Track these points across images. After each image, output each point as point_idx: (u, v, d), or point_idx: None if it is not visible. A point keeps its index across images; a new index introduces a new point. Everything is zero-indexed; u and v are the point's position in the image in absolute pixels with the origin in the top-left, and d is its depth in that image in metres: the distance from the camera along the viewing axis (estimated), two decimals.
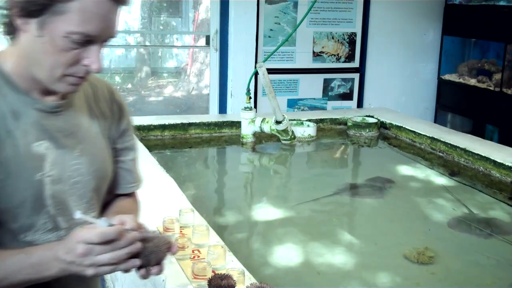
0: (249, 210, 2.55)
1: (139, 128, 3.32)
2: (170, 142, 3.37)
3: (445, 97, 4.66)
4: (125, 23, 10.06)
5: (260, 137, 3.44)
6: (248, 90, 3.42)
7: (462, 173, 2.99)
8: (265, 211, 2.52)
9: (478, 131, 4.12)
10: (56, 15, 1.06)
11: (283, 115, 3.24)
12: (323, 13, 4.35)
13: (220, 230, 2.10)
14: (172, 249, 1.18)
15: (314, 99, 4.49)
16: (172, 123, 3.43)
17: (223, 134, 3.52)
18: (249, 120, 3.33)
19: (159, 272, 1.16)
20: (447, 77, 4.63)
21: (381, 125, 3.72)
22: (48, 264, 1.09)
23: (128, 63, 10.93)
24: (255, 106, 4.18)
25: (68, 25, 1.06)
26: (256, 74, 3.71)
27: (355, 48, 4.50)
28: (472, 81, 4.39)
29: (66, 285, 1.19)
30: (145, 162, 2.61)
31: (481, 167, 2.94)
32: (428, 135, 3.36)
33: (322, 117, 3.78)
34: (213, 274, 1.39)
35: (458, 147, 3.10)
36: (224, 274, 1.36)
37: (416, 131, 3.45)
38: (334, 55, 4.46)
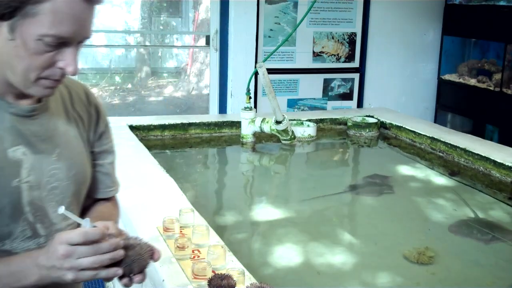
0: (249, 210, 2.55)
1: (139, 128, 3.33)
2: (170, 142, 3.37)
3: (445, 97, 4.66)
4: (125, 23, 10.06)
5: (260, 137, 3.44)
6: (248, 90, 3.41)
7: (462, 173, 2.99)
8: (265, 211, 2.52)
9: (478, 131, 4.12)
10: (27, 17, 1.02)
11: (283, 115, 3.24)
12: (323, 13, 4.35)
13: (220, 230, 2.09)
14: (154, 256, 1.15)
15: (314, 99, 4.49)
16: (172, 123, 3.43)
17: (223, 134, 3.52)
18: (249, 120, 3.33)
19: (142, 280, 1.14)
20: (447, 77, 4.63)
21: (381, 125, 3.72)
22: (27, 271, 1.06)
23: (128, 63, 10.92)
24: (255, 106, 4.18)
25: (40, 27, 1.03)
26: (256, 74, 3.71)
27: (355, 48, 4.50)
28: (472, 81, 4.39)
29: None
30: (145, 162, 2.61)
31: (481, 167, 2.94)
32: (428, 135, 3.36)
33: (322, 117, 3.78)
34: (213, 274, 1.39)
35: (458, 147, 3.10)
36: (224, 274, 1.36)
37: (416, 131, 3.45)
38: (334, 55, 4.46)
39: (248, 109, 3.34)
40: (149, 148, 2.91)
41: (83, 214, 1.31)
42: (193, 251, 1.62)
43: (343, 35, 4.45)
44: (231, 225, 2.36)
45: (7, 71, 1.09)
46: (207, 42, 4.36)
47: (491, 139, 3.87)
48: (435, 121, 4.60)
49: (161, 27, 11.18)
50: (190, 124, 3.46)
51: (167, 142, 3.36)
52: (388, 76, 4.64)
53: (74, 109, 1.27)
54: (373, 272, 2.01)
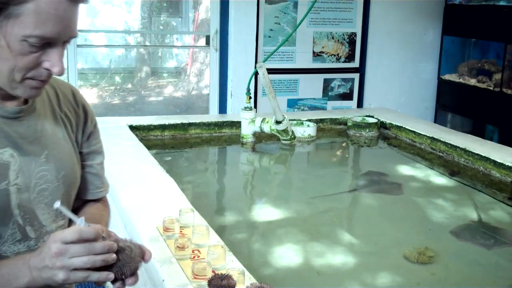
0: (249, 210, 2.55)
1: (139, 128, 3.33)
2: (170, 142, 3.37)
3: (445, 97, 4.66)
4: (125, 23, 10.06)
5: (260, 137, 3.44)
6: (248, 90, 3.41)
7: (462, 173, 2.99)
8: (265, 211, 2.52)
9: (478, 131, 4.12)
10: (10, 18, 1.01)
11: (283, 115, 3.24)
12: (323, 13, 4.35)
13: (220, 230, 2.09)
14: (145, 257, 1.14)
15: (314, 99, 4.49)
16: (172, 123, 3.43)
17: (223, 134, 3.52)
18: (249, 120, 3.33)
19: (135, 282, 1.13)
20: (447, 77, 4.63)
21: (381, 125, 3.72)
22: (19, 273, 1.05)
23: (128, 63, 10.91)
24: (255, 106, 4.19)
25: (24, 28, 1.02)
26: (256, 74, 3.71)
27: (355, 48, 4.50)
28: (472, 81, 4.39)
29: None
30: (145, 162, 2.61)
31: (481, 167, 2.93)
32: (428, 135, 3.36)
33: (322, 117, 3.78)
34: (213, 274, 1.39)
35: (458, 147, 3.10)
36: (224, 274, 1.36)
37: (416, 131, 3.45)
38: (334, 55, 4.46)
39: (248, 109, 3.34)
40: (149, 148, 2.91)
41: None
42: (193, 251, 1.61)
43: (343, 35, 4.45)
44: (231, 225, 2.36)
45: None
46: (207, 42, 4.36)
47: (491, 139, 3.87)
48: (435, 121, 4.60)
49: (161, 27, 11.17)
50: (190, 124, 3.46)
51: (167, 142, 3.36)
52: (388, 76, 4.64)
53: (61, 109, 1.26)
54: (373, 272, 2.01)
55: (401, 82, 4.69)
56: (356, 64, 4.53)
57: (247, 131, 3.35)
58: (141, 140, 3.05)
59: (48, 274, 1.03)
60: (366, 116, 3.78)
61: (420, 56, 4.70)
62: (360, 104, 4.59)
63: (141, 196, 2.15)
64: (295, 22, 4.24)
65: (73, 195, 1.28)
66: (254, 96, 4.16)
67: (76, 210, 1.32)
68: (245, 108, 3.35)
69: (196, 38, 9.92)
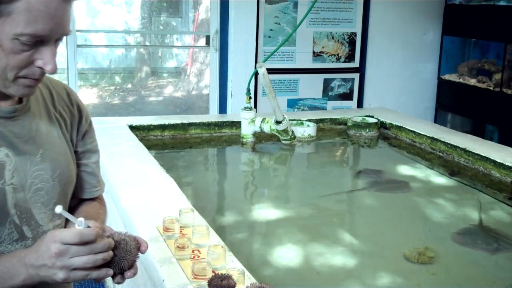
0: (249, 210, 2.55)
1: (139, 128, 3.33)
2: (170, 142, 3.37)
3: (445, 97, 4.66)
4: (125, 23, 10.06)
5: (260, 137, 3.44)
6: (248, 90, 3.41)
7: (462, 173, 2.99)
8: (265, 211, 2.52)
9: (478, 131, 4.12)
10: (1, 17, 1.01)
11: (283, 115, 3.24)
12: (323, 13, 4.35)
13: (220, 230, 2.09)
14: (142, 249, 1.15)
15: (314, 99, 4.49)
16: (172, 123, 3.43)
17: (223, 134, 3.52)
18: (249, 120, 3.33)
19: (134, 274, 1.13)
20: (447, 77, 4.63)
21: (381, 125, 3.72)
22: (14, 271, 1.04)
23: (128, 63, 10.91)
24: (255, 106, 4.19)
25: (15, 26, 1.01)
26: (256, 74, 3.71)
27: (355, 48, 4.50)
28: (472, 81, 4.39)
29: None
30: (145, 162, 2.61)
31: (481, 167, 2.93)
32: (428, 135, 3.36)
33: (322, 117, 3.78)
34: (213, 274, 1.39)
35: (458, 147, 3.10)
36: (224, 274, 1.36)
37: (416, 131, 3.45)
38: (334, 55, 4.46)
39: (248, 109, 3.34)
40: (149, 148, 2.91)
41: None
42: (193, 251, 1.61)
43: (343, 35, 4.45)
44: (231, 225, 2.36)
45: None
46: (207, 42, 4.36)
47: (491, 139, 3.87)
48: (435, 121, 4.60)
49: (161, 27, 11.17)
50: (190, 124, 3.46)
51: (167, 142, 3.36)
52: (388, 76, 4.64)
53: (56, 109, 1.26)
54: (373, 272, 2.01)
55: (401, 82, 4.69)
56: (356, 64, 4.53)
57: (247, 131, 3.35)
58: (141, 140, 3.05)
59: (46, 273, 1.03)
60: (366, 116, 3.78)
61: (420, 56, 4.70)
62: (360, 104, 4.59)
63: (141, 196, 2.14)
64: (295, 22, 4.24)
65: (69, 194, 1.28)
66: (254, 96, 4.16)
67: (72, 209, 1.32)
68: (245, 108, 3.35)
69: (196, 38, 9.92)
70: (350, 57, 4.51)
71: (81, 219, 1.06)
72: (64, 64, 3.97)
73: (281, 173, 3.28)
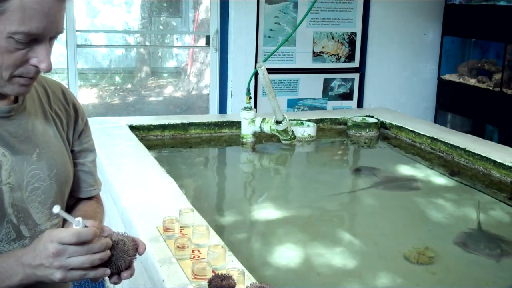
0: (249, 210, 2.55)
1: (139, 128, 3.33)
2: (170, 142, 3.37)
3: (445, 97, 4.66)
4: (125, 23, 10.06)
5: (260, 137, 3.44)
6: (248, 90, 3.41)
7: (462, 173, 2.99)
8: (265, 211, 2.52)
9: (478, 131, 4.12)
10: None
11: (283, 115, 3.24)
12: (323, 13, 4.35)
13: (220, 230, 2.09)
14: (139, 250, 1.15)
15: (314, 99, 4.49)
16: (172, 123, 3.43)
17: (223, 134, 3.52)
18: (249, 120, 3.33)
19: (131, 275, 1.13)
20: (447, 77, 4.63)
21: (381, 125, 3.72)
22: (11, 270, 1.04)
23: (128, 63, 10.91)
24: (255, 106, 4.19)
25: (10, 25, 1.01)
26: (256, 74, 3.71)
27: (355, 48, 4.50)
28: (472, 81, 4.39)
29: None
30: (145, 162, 2.61)
31: (481, 167, 2.93)
32: (428, 135, 3.36)
33: (322, 117, 3.78)
34: (213, 274, 1.39)
35: (458, 147, 3.10)
36: (224, 274, 1.36)
37: (416, 131, 3.45)
38: (334, 55, 4.46)
39: (248, 109, 3.34)
40: (149, 148, 2.91)
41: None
42: (193, 251, 1.61)
43: (343, 35, 4.45)
44: (231, 225, 2.36)
45: None
46: (207, 42, 4.36)
47: (491, 139, 3.87)
48: (435, 121, 4.60)
49: (161, 27, 11.17)
50: (190, 124, 3.46)
51: (167, 142, 3.36)
52: (388, 76, 4.64)
53: (51, 108, 1.26)
54: (373, 272, 2.01)
55: (401, 82, 4.69)
56: (356, 64, 4.53)
57: (247, 131, 3.35)
58: (141, 140, 3.05)
59: (44, 272, 1.03)
60: (366, 116, 3.78)
61: (420, 56, 4.70)
62: (360, 104, 4.59)
63: (141, 196, 2.14)
64: (295, 22, 4.24)
65: (66, 194, 1.27)
66: (254, 96, 4.16)
67: (69, 208, 1.32)
68: (245, 108, 3.35)
69: (196, 38, 9.92)
70: (350, 57, 4.51)
71: (78, 218, 1.06)
72: (64, 64, 3.96)
73: (281, 173, 3.28)
